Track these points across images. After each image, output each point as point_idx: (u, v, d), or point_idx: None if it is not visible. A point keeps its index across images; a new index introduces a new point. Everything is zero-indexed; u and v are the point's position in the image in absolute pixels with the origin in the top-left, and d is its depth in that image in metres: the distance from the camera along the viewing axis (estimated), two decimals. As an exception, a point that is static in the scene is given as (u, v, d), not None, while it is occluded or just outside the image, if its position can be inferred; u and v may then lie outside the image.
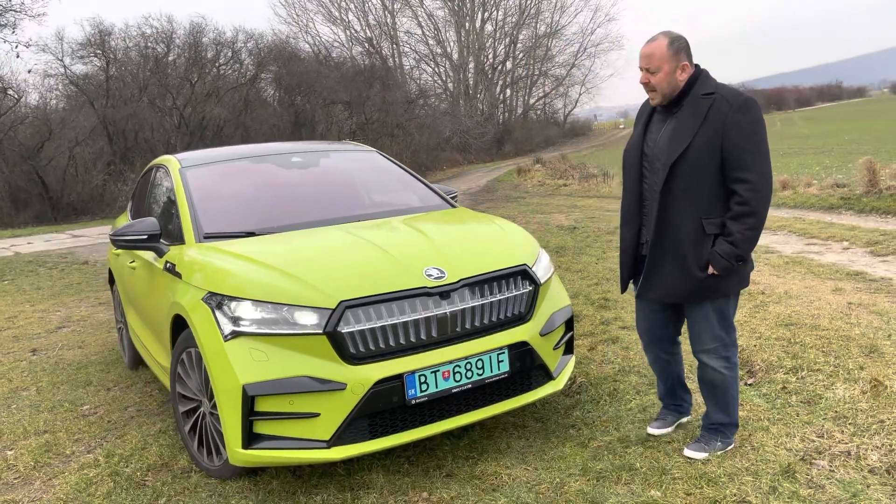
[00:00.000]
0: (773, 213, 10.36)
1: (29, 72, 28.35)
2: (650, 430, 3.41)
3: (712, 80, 2.97)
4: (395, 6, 43.82)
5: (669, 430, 3.42)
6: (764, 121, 2.90)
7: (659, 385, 3.50)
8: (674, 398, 3.47)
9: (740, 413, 3.52)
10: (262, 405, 2.98)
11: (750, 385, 3.94)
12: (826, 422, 3.39)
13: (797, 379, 3.92)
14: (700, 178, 2.87)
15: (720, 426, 3.21)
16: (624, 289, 3.32)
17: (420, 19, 45.27)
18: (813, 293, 5.63)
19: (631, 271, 3.23)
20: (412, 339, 3.10)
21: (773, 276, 6.40)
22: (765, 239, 8.36)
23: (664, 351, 3.36)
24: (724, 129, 2.82)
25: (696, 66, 2.98)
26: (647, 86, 2.96)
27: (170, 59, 24.70)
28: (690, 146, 2.85)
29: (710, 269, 2.92)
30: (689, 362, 4.31)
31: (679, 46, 2.92)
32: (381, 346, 3.05)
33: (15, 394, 4.93)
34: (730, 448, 3.21)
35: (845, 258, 7.06)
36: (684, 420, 3.51)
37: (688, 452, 3.19)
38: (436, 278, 3.18)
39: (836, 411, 3.49)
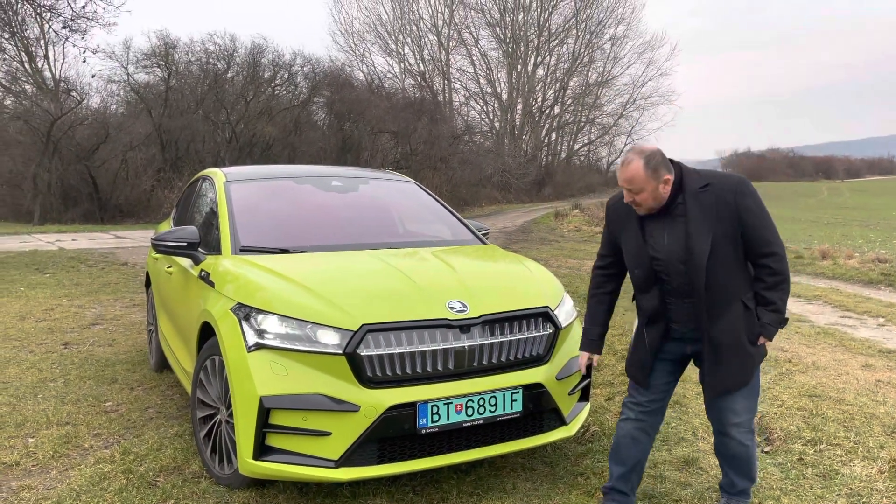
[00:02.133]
0: (810, 283, 10.19)
1: (93, 76, 29.52)
2: None
3: (693, 171, 2.95)
4: (451, 44, 44.71)
5: None
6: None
7: (613, 468, 3.17)
8: (625, 484, 3.16)
9: (752, 479, 3.47)
10: (277, 418, 3.04)
11: (766, 453, 3.88)
12: (840, 498, 3.33)
13: (815, 451, 3.85)
14: (730, 265, 2.91)
15: (746, 489, 3.18)
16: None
17: (474, 58, 46.12)
18: (841, 367, 5.53)
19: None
20: (428, 369, 3.14)
21: (803, 345, 6.29)
22: (798, 308, 8.23)
23: (652, 427, 3.17)
24: (739, 216, 2.85)
25: (678, 164, 2.93)
26: (633, 202, 2.93)
27: (228, 75, 25.51)
28: (714, 241, 2.85)
29: (761, 340, 2.97)
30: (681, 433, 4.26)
31: (656, 164, 2.84)
32: (398, 372, 3.10)
33: (43, 384, 5.08)
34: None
35: (879, 335, 6.91)
36: None
37: None
38: (458, 311, 3.23)
39: (850, 488, 3.42)
